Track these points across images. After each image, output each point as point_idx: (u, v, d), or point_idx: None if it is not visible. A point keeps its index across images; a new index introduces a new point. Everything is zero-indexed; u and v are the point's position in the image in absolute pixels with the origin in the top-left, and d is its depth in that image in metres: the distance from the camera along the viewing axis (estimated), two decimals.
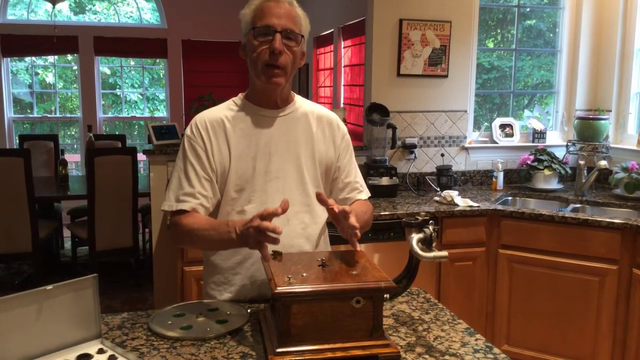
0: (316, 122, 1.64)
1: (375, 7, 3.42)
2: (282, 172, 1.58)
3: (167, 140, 3.34)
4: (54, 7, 5.14)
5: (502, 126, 3.82)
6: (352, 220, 1.36)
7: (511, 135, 3.81)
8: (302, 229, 1.60)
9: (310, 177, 1.61)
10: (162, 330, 1.38)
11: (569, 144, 3.71)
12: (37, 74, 6.86)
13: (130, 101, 7.21)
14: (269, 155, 1.57)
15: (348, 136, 1.72)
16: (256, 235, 1.30)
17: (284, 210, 1.32)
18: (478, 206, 3.07)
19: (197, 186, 1.53)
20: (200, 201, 1.53)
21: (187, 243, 1.61)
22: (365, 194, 1.73)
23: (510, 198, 3.49)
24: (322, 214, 1.64)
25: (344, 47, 4.95)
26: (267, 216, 1.30)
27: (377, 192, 3.22)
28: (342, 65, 5.04)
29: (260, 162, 1.56)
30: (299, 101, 1.66)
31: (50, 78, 6.88)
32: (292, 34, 1.50)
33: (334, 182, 1.69)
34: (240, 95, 1.64)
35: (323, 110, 1.69)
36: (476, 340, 1.38)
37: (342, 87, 5.09)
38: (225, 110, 1.60)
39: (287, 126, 1.60)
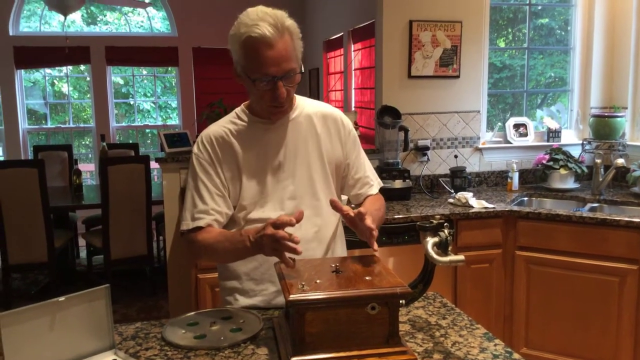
0: (321, 121, 1.63)
1: (384, 9, 3.41)
2: (291, 179, 1.57)
3: (179, 147, 3.35)
4: (65, 18, 5.19)
5: (516, 126, 3.78)
6: (369, 221, 1.37)
7: (525, 134, 3.76)
8: (314, 233, 1.59)
9: (320, 178, 1.61)
10: (176, 339, 1.37)
11: (584, 142, 3.66)
12: (52, 84, 6.94)
13: (144, 110, 7.25)
14: (278, 164, 1.56)
15: (354, 131, 1.70)
16: (271, 244, 1.30)
17: (298, 221, 1.32)
18: (493, 207, 3.03)
19: (210, 203, 1.53)
20: (215, 217, 1.53)
21: (205, 257, 1.64)
22: (376, 187, 1.72)
23: (526, 199, 3.44)
24: (333, 216, 1.64)
25: (354, 51, 4.94)
26: (281, 225, 1.29)
27: (390, 195, 3.20)
28: (353, 68, 5.02)
29: (270, 173, 1.56)
30: (301, 103, 1.63)
31: (65, 89, 6.95)
32: (293, 73, 1.45)
33: (344, 180, 1.68)
34: (243, 106, 1.62)
35: (327, 109, 1.67)
36: (495, 345, 1.35)
37: (353, 91, 5.07)
38: (228, 124, 1.59)
39: (292, 132, 1.59)
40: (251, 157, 1.55)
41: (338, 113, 1.68)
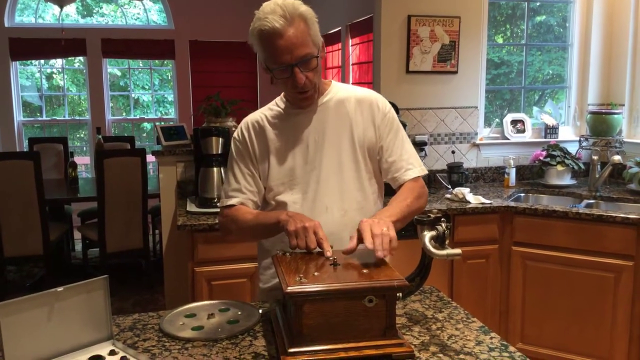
0: (354, 105, 1.63)
1: (383, 3, 3.40)
2: (319, 163, 1.60)
3: (175, 141, 3.34)
4: (61, 10, 5.16)
5: (514, 122, 3.78)
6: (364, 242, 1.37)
7: (523, 131, 3.77)
8: (340, 217, 1.59)
9: (349, 161, 1.61)
10: (174, 331, 1.37)
11: (581, 139, 3.67)
12: (49, 78, 6.89)
13: (142, 104, 7.22)
14: (307, 147, 1.60)
15: (392, 114, 1.67)
16: (305, 226, 1.34)
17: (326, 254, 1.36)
18: (490, 203, 3.04)
19: (242, 182, 1.62)
20: (247, 195, 1.62)
21: (236, 231, 1.63)
22: (416, 172, 1.63)
23: (522, 194, 3.45)
24: (362, 201, 1.63)
25: (352, 45, 4.93)
26: (320, 239, 1.35)
27: (387, 190, 3.19)
28: (350, 63, 5.02)
29: (299, 156, 1.60)
30: (335, 88, 1.65)
31: (61, 81, 6.91)
32: (308, 57, 1.48)
33: (379, 163, 1.66)
34: (283, 94, 1.67)
35: (362, 93, 1.67)
36: (491, 338, 1.36)
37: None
38: (265, 111, 1.67)
39: (322, 116, 1.62)
40: (281, 140, 1.61)
41: (374, 96, 1.67)
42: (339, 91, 1.65)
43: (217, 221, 2.62)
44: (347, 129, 1.61)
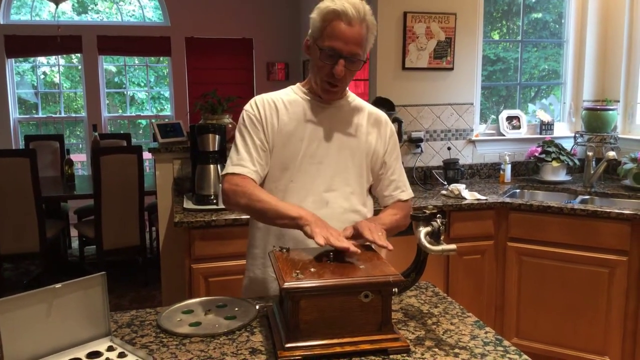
0: (366, 116, 1.71)
1: (379, 0, 3.40)
2: (326, 158, 1.63)
3: (172, 138, 3.34)
4: (57, 8, 5.14)
5: (509, 118, 3.80)
6: (367, 234, 1.43)
7: (518, 127, 3.78)
8: (340, 214, 1.63)
9: (354, 165, 1.66)
10: (171, 327, 1.38)
11: (576, 135, 3.68)
12: (44, 74, 6.87)
13: (138, 100, 7.20)
14: (317, 140, 1.63)
15: (396, 137, 1.77)
16: (328, 229, 1.36)
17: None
18: (486, 199, 3.06)
19: (254, 154, 1.60)
20: (256, 169, 1.59)
21: (243, 206, 1.56)
22: (407, 194, 1.76)
23: (518, 191, 3.47)
24: (360, 204, 1.68)
25: None
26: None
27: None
28: None
29: (306, 146, 1.62)
30: (352, 96, 1.72)
31: (57, 79, 6.89)
32: (356, 58, 1.54)
33: (379, 177, 1.73)
34: (299, 84, 1.72)
35: (374, 109, 1.76)
36: (486, 333, 1.37)
37: None
38: (282, 95, 1.68)
39: (338, 116, 1.66)
40: (292, 126, 1.63)
41: (384, 116, 1.76)
42: (355, 100, 1.72)
43: (214, 218, 2.64)
44: (358, 134, 1.67)
